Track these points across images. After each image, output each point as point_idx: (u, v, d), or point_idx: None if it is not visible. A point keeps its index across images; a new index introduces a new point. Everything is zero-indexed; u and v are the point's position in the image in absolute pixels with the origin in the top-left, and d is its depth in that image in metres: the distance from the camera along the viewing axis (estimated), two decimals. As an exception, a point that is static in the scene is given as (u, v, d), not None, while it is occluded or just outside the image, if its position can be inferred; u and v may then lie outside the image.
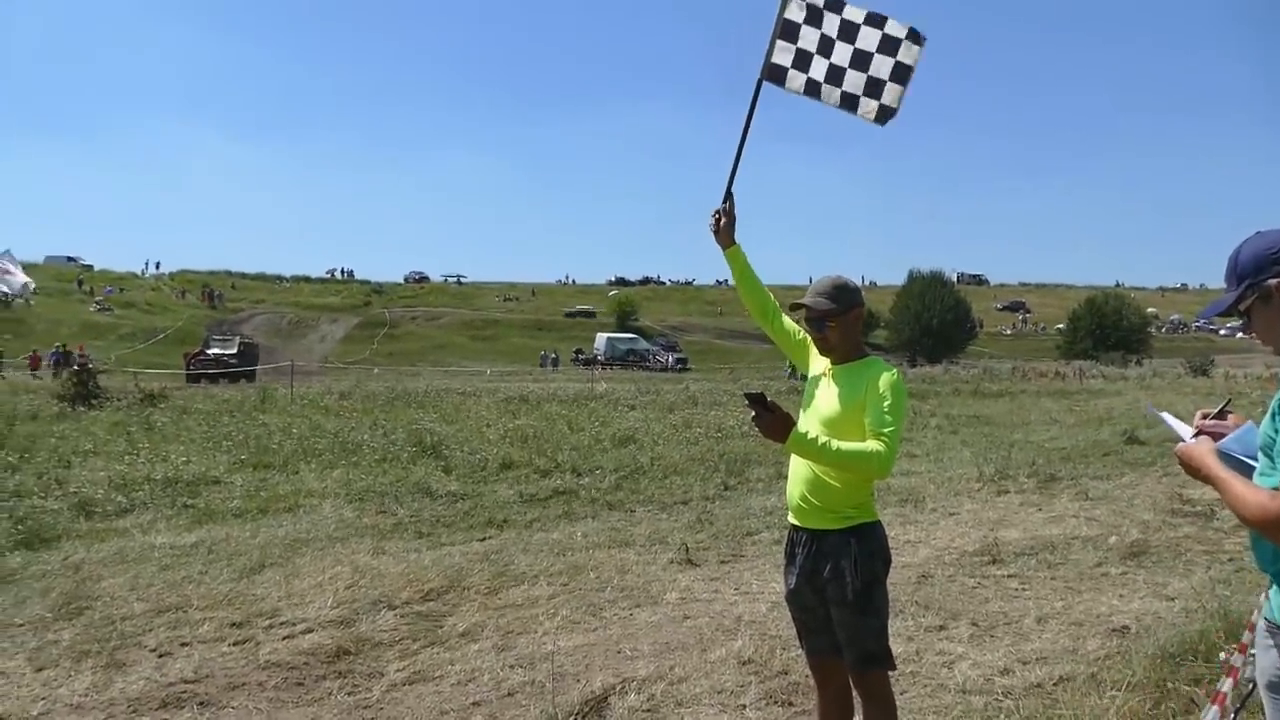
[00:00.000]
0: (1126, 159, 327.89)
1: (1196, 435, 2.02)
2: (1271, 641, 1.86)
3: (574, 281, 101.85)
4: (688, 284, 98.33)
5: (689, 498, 8.97)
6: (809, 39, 3.56)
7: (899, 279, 69.70)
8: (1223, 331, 70.88)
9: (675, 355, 54.57)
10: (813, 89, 3.57)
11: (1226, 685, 2.83)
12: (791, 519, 2.95)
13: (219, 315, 66.53)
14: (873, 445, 2.64)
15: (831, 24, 3.54)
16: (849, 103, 3.56)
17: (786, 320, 3.21)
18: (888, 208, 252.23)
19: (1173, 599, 5.32)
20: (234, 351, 38.19)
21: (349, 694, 4.12)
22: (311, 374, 37.65)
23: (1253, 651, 2.15)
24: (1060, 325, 72.35)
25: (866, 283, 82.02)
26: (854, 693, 2.93)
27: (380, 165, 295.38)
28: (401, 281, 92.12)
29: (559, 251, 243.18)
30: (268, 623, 5.02)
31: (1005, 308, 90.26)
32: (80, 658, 4.49)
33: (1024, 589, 5.65)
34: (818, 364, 2.99)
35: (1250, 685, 2.41)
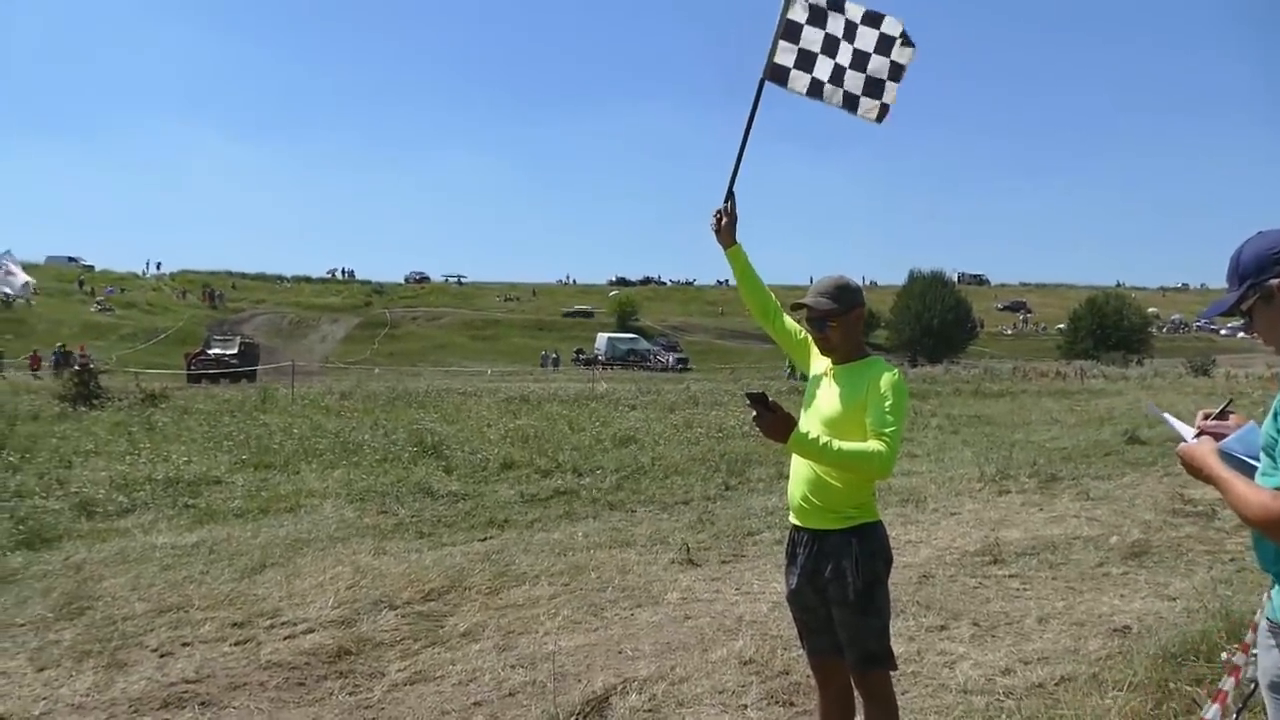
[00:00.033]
0: (1126, 159, 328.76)
1: (1198, 435, 2.02)
2: (1273, 641, 1.86)
3: (574, 281, 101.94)
4: (688, 284, 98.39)
5: (690, 498, 8.96)
6: (812, 39, 3.56)
7: (900, 279, 69.93)
8: (1224, 331, 70.82)
9: (676, 355, 54.60)
10: (815, 89, 3.58)
11: (1228, 685, 2.83)
12: (793, 519, 2.95)
13: (220, 315, 66.62)
14: (874, 445, 2.64)
15: (836, 24, 3.55)
16: (850, 103, 3.57)
17: (788, 320, 3.21)
18: (889, 208, 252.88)
19: (1174, 599, 5.32)
20: (235, 352, 38.21)
21: (350, 694, 4.12)
22: (312, 374, 37.62)
23: (1255, 651, 2.15)
24: (1061, 325, 72.35)
25: (867, 283, 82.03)
26: (855, 693, 2.93)
27: (380, 165, 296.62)
28: (402, 282, 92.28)
29: (559, 251, 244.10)
30: (269, 623, 5.02)
31: (1006, 308, 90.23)
32: (81, 658, 4.49)
33: (1025, 589, 5.65)
34: (819, 364, 2.99)
35: (1252, 685, 2.40)
